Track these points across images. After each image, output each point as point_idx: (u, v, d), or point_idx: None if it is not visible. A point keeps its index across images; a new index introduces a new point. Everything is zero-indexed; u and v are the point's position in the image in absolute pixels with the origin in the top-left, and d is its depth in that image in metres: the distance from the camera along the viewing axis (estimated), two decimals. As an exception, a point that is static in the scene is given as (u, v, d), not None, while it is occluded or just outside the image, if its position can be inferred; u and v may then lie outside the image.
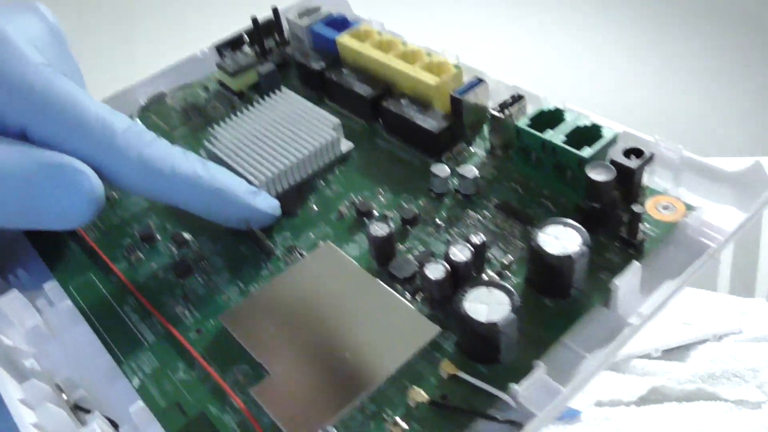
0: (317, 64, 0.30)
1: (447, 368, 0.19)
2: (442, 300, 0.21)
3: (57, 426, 0.19)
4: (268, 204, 0.24)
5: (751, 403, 0.44)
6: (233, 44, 0.33)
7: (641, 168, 0.22)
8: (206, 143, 0.27)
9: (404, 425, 0.18)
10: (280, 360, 0.20)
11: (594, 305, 0.20)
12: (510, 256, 0.22)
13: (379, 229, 0.22)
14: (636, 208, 0.21)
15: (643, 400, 0.45)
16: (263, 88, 0.30)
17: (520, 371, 0.18)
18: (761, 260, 0.92)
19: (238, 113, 0.28)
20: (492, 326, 0.18)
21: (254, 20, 0.33)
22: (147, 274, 0.25)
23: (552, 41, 1.31)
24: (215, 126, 0.27)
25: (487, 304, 0.19)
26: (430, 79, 0.27)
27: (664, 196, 0.23)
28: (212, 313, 0.23)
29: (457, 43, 0.30)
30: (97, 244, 0.26)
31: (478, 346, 0.19)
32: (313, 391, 0.19)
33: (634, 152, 0.22)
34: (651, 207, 0.23)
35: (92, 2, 1.28)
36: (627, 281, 0.20)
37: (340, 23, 0.32)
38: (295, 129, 0.27)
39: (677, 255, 0.22)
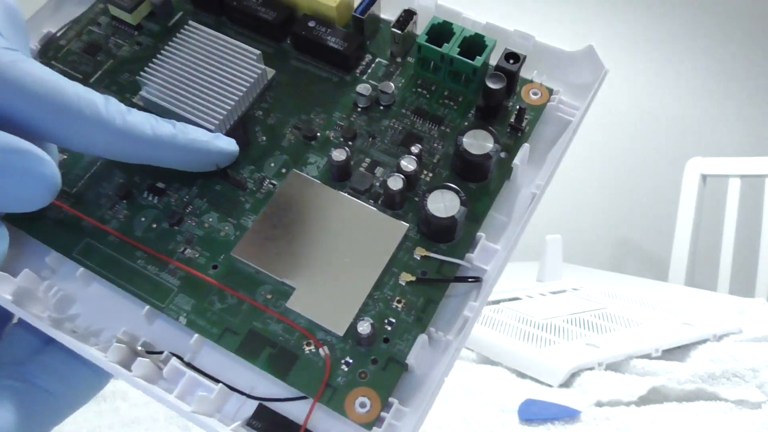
0: None
1: (419, 252, 0.26)
2: (401, 202, 0.27)
3: (146, 372, 0.23)
4: (228, 143, 0.27)
5: (751, 403, 0.45)
6: None
7: (519, 69, 0.29)
8: (143, 93, 0.28)
9: (411, 276, 0.25)
10: (298, 275, 0.25)
11: (503, 182, 0.28)
12: (437, 155, 0.28)
13: (339, 155, 0.27)
14: (521, 104, 0.29)
15: (643, 400, 0.45)
16: (158, 16, 0.32)
17: (467, 242, 0.26)
18: (761, 260, 0.92)
19: (159, 55, 0.29)
20: (451, 219, 0.25)
21: None
22: (142, 228, 0.27)
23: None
24: (142, 73, 0.28)
25: (443, 203, 0.25)
26: (329, 3, 0.30)
27: (533, 84, 0.29)
28: (219, 250, 0.26)
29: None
30: (78, 211, 0.27)
31: (441, 233, 0.26)
32: (333, 294, 0.25)
33: (512, 56, 0.28)
34: (525, 94, 0.29)
35: None
36: (521, 159, 0.27)
37: None
38: (224, 67, 0.29)
39: (549, 130, 0.29)
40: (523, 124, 0.28)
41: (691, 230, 0.96)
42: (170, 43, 0.29)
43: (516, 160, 0.27)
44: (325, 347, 0.24)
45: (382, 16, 0.32)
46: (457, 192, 0.26)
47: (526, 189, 0.27)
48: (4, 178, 0.20)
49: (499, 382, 0.51)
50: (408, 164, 0.27)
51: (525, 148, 0.27)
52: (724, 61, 1.26)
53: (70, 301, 0.26)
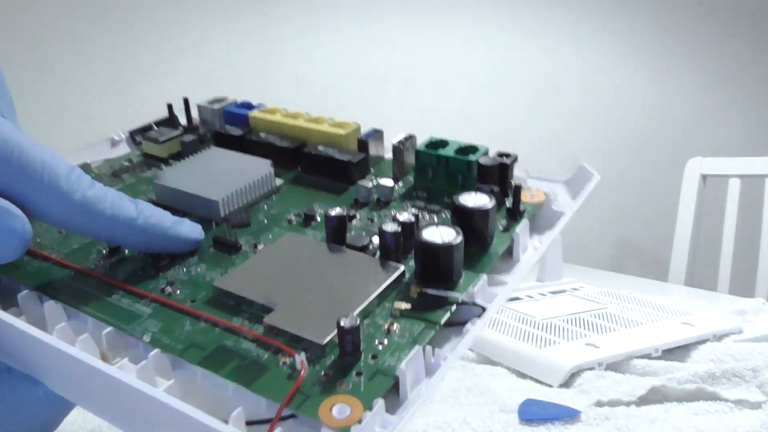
0: (235, 131, 0.37)
1: (415, 289, 0.25)
2: (396, 251, 0.26)
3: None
4: (191, 230, 0.27)
5: (751, 403, 0.44)
6: (144, 130, 0.40)
7: (512, 164, 0.31)
8: (155, 181, 0.31)
9: (406, 305, 0.24)
10: (280, 297, 0.24)
11: (501, 249, 0.28)
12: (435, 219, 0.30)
13: (334, 212, 0.27)
14: (515, 183, 0.30)
15: (643, 400, 0.45)
16: (184, 156, 0.35)
17: (465, 286, 0.25)
18: (761, 260, 0.92)
19: (176, 162, 0.33)
20: (447, 247, 0.25)
21: (169, 106, 0.40)
22: (126, 273, 0.27)
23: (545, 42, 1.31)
24: (160, 169, 0.32)
25: (438, 233, 0.25)
26: (340, 131, 0.35)
27: (530, 190, 0.32)
28: (201, 289, 0.26)
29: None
30: (65, 260, 0.28)
31: (437, 266, 0.25)
32: (315, 309, 0.23)
33: (504, 155, 0.31)
34: (523, 196, 0.31)
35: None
36: (521, 229, 0.29)
37: (247, 106, 0.39)
38: (235, 167, 0.32)
39: (542, 219, 0.32)
40: (521, 208, 0.30)
41: (691, 230, 0.96)
42: (191, 156, 0.33)
43: (517, 229, 0.29)
44: (302, 353, 0.21)
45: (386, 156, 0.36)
46: (454, 228, 0.25)
47: (524, 249, 0.29)
48: None
49: (499, 382, 0.51)
50: (403, 217, 0.27)
51: (524, 222, 0.29)
52: (724, 61, 1.26)
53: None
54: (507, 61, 1.30)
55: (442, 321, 0.23)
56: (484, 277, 0.25)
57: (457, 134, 0.34)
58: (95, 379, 0.20)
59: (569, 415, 0.45)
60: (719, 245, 0.94)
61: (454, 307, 0.24)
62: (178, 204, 0.31)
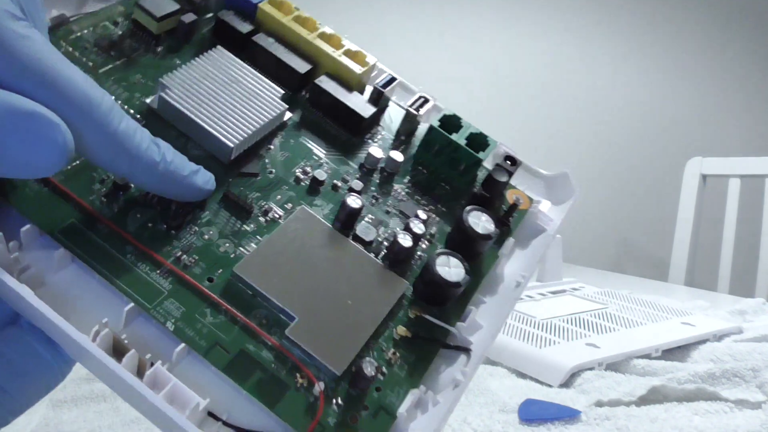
0: (243, 27, 0.32)
1: (414, 312, 0.27)
2: (404, 261, 0.28)
3: (134, 367, 0.21)
4: (205, 182, 0.26)
5: (751, 403, 0.44)
6: None
7: (514, 171, 0.32)
8: (163, 95, 0.28)
9: (407, 332, 0.26)
10: (300, 306, 0.25)
11: (491, 266, 0.30)
12: (434, 227, 0.30)
13: (354, 202, 0.27)
14: (515, 202, 0.31)
15: (643, 400, 0.45)
16: (179, 34, 0.32)
17: (457, 312, 0.27)
18: (761, 260, 0.92)
19: (185, 65, 0.29)
20: (456, 284, 0.26)
21: None
22: (136, 224, 0.25)
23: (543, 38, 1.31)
24: (166, 77, 0.28)
25: (449, 267, 0.27)
26: (354, 66, 0.32)
27: (517, 190, 0.32)
28: (217, 263, 0.25)
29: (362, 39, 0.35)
30: (67, 188, 0.25)
31: (439, 296, 0.27)
32: (334, 331, 0.24)
33: (510, 159, 0.32)
34: (509, 197, 0.32)
35: None
36: (507, 250, 0.30)
37: None
38: (248, 95, 0.29)
39: (527, 232, 0.32)
40: (510, 220, 0.31)
41: (691, 230, 0.96)
42: (198, 58, 0.29)
43: (502, 250, 0.30)
44: (321, 383, 0.23)
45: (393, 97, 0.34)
46: (461, 260, 0.27)
47: (509, 278, 0.30)
48: (15, 142, 0.19)
49: (499, 382, 0.51)
50: (416, 227, 0.28)
51: (510, 241, 0.30)
52: (725, 61, 1.26)
53: (38, 283, 0.23)
54: (505, 59, 1.30)
55: (434, 357, 0.26)
56: (472, 309, 0.27)
57: (456, 106, 0.33)
58: (119, 384, 0.21)
59: (569, 415, 0.45)
60: (719, 245, 0.94)
61: (445, 342, 0.27)
62: (183, 127, 0.28)
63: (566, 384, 0.50)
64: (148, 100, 0.29)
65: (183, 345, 0.23)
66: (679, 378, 0.48)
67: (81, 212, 0.24)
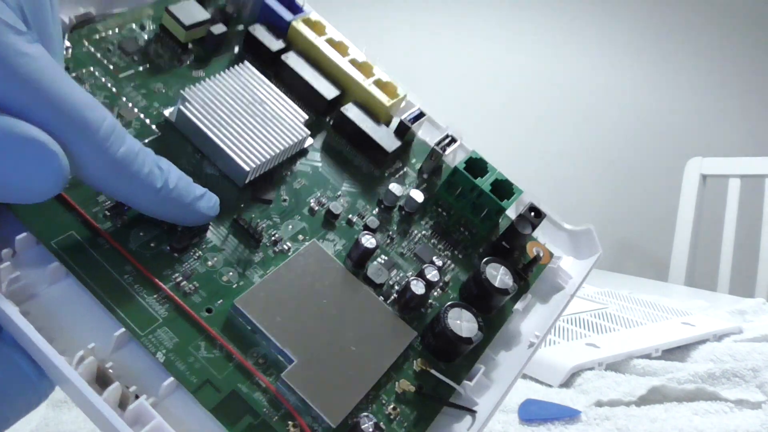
0: (273, 44, 0.31)
1: (420, 365, 0.25)
2: (414, 308, 0.27)
3: (116, 400, 0.20)
4: (209, 208, 0.25)
5: (751, 403, 0.44)
6: None
7: (538, 224, 0.30)
8: (182, 108, 0.27)
9: (411, 387, 0.25)
10: (300, 348, 0.23)
11: (503, 322, 0.28)
12: (448, 275, 0.29)
13: (369, 242, 0.26)
14: (536, 255, 0.30)
15: (643, 400, 0.45)
16: (207, 45, 0.31)
17: (465, 369, 0.26)
18: (761, 260, 0.92)
19: (208, 80, 0.28)
20: (468, 340, 0.25)
21: None
22: (138, 242, 0.24)
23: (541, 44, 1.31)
24: (187, 89, 0.27)
25: (461, 321, 0.25)
26: (383, 97, 0.31)
27: (537, 243, 0.31)
28: (218, 293, 0.24)
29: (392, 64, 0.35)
30: (70, 196, 0.24)
31: (448, 351, 0.26)
32: (334, 379, 0.23)
33: (535, 210, 0.30)
34: (530, 249, 0.30)
35: None
36: (522, 306, 0.29)
37: (288, 1, 0.32)
38: (271, 118, 0.28)
39: (545, 288, 0.31)
40: (529, 275, 0.29)
41: (691, 230, 0.96)
42: (223, 72, 0.28)
43: (518, 305, 0.28)
44: None
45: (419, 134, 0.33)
46: (474, 315, 0.26)
47: (523, 336, 0.28)
48: (10, 167, 0.18)
49: (499, 382, 0.51)
50: (431, 275, 0.27)
51: (527, 297, 0.29)
52: (725, 62, 1.26)
53: (28, 295, 0.22)
54: (502, 60, 1.30)
55: (436, 416, 0.25)
56: (482, 369, 0.26)
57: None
58: (94, 412, 0.19)
59: (569, 415, 0.45)
60: (719, 245, 0.94)
61: (449, 401, 0.25)
62: (199, 143, 0.27)
63: (566, 384, 0.50)
64: (166, 112, 0.27)
65: (172, 379, 0.21)
66: (679, 378, 0.48)
67: (82, 223, 0.23)
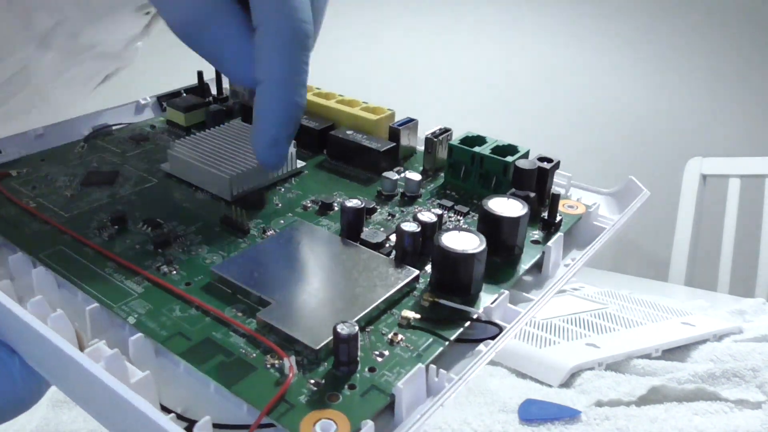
0: None
1: (427, 298, 0.22)
2: (413, 254, 0.24)
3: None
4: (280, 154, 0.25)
5: (751, 403, 0.44)
6: (173, 96, 0.38)
7: (552, 170, 0.28)
8: (170, 150, 0.30)
9: (415, 315, 0.21)
10: (280, 292, 0.22)
11: (529, 262, 0.25)
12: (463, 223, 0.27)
13: (352, 204, 0.25)
14: (554, 191, 0.27)
15: (643, 400, 0.45)
16: (209, 126, 0.34)
17: (484, 301, 0.23)
18: (761, 260, 0.92)
19: (195, 132, 0.32)
20: (467, 256, 0.22)
21: (199, 73, 0.38)
22: (123, 246, 0.25)
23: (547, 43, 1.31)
24: (175, 141, 0.31)
25: (459, 241, 0.22)
26: (371, 116, 0.33)
27: (569, 200, 0.29)
28: (198, 271, 0.24)
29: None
30: (64, 226, 0.26)
31: (454, 275, 0.22)
32: (314, 309, 0.21)
33: (545, 159, 0.28)
34: (561, 206, 0.28)
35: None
36: (554, 244, 0.26)
37: None
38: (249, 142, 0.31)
39: (579, 234, 0.29)
40: (557, 219, 0.27)
41: (691, 230, 0.95)
42: (212, 129, 0.32)
43: (549, 243, 0.25)
44: (292, 358, 0.19)
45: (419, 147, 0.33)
46: (477, 234, 0.23)
47: (555, 275, 0.25)
48: None
49: (499, 382, 0.51)
50: (425, 216, 0.24)
51: (558, 237, 0.26)
52: (725, 61, 1.26)
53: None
54: (501, 57, 1.30)
55: (453, 337, 0.21)
56: (506, 293, 0.22)
57: (495, 133, 0.31)
58: (63, 361, 0.18)
59: (569, 415, 0.45)
60: (719, 245, 0.94)
61: (467, 323, 0.21)
62: (190, 177, 0.29)
63: (566, 384, 0.50)
64: (162, 166, 0.31)
65: (140, 335, 0.20)
66: (679, 378, 0.48)
67: (73, 241, 0.25)
